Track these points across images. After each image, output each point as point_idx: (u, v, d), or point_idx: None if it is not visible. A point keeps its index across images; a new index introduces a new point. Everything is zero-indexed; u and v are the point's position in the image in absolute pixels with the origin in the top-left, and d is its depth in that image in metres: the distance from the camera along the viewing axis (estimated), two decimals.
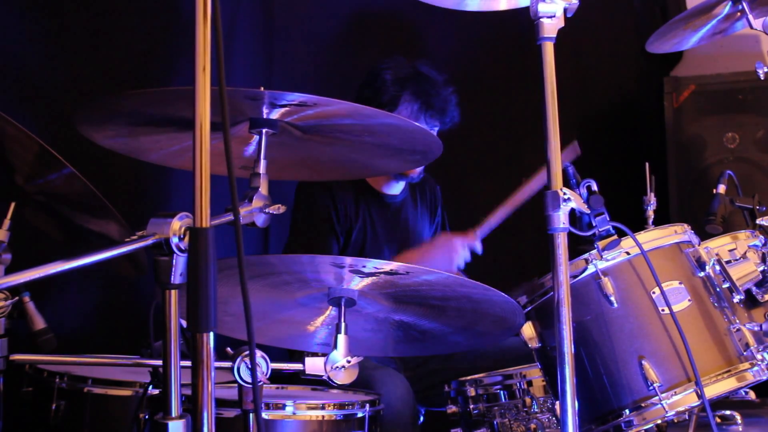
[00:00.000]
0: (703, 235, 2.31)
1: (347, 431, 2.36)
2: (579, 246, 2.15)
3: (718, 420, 2.36)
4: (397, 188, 3.33)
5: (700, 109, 4.15)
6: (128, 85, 3.33)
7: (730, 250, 2.23)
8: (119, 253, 1.54)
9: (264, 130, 1.92)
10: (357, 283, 2.00)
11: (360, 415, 2.38)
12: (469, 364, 3.22)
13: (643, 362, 2.07)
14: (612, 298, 2.11)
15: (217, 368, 1.52)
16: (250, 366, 1.80)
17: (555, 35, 1.93)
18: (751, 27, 2.44)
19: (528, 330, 2.23)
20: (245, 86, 1.82)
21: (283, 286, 2.06)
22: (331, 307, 2.14)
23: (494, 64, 4.32)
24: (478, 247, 3.16)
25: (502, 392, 2.62)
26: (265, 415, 2.25)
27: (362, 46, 4.08)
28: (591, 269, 2.14)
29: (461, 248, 3.13)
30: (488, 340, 2.83)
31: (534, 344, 2.24)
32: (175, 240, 1.52)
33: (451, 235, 3.22)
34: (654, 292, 2.11)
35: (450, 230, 3.51)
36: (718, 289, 2.17)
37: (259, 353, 1.83)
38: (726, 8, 2.50)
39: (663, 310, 2.10)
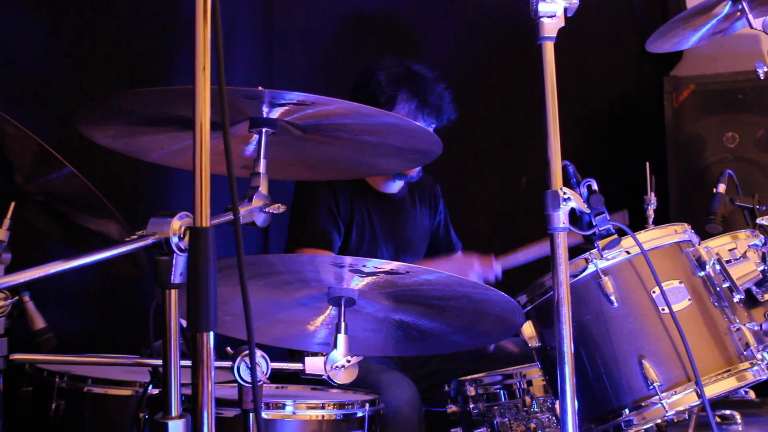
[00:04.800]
0: (703, 234, 2.31)
1: (347, 431, 2.36)
2: (579, 245, 2.15)
3: (718, 420, 2.36)
4: (395, 187, 3.33)
5: (699, 108, 4.15)
6: (128, 84, 3.33)
7: (730, 250, 2.23)
8: (119, 252, 1.54)
9: (264, 130, 1.92)
10: (357, 283, 2.00)
11: (360, 414, 2.38)
12: (469, 364, 3.23)
13: (643, 362, 2.07)
14: (612, 298, 2.11)
15: (217, 368, 1.52)
16: (250, 366, 1.80)
17: (555, 35, 1.92)
18: (751, 26, 2.43)
19: (528, 329, 2.23)
20: (245, 86, 1.82)
21: (283, 285, 2.06)
22: (331, 306, 2.14)
23: (494, 63, 4.32)
24: (498, 272, 3.21)
25: (502, 392, 2.62)
26: (265, 414, 2.24)
27: (362, 45, 4.07)
28: (591, 268, 2.14)
29: (478, 268, 3.18)
30: (488, 339, 2.83)
31: (534, 344, 2.24)
32: (175, 239, 1.52)
33: (472, 255, 3.26)
34: (654, 292, 2.11)
35: (452, 227, 3.52)
36: (718, 289, 2.17)
37: (259, 353, 1.83)
38: (726, 8, 2.50)
39: (663, 310, 2.10)
